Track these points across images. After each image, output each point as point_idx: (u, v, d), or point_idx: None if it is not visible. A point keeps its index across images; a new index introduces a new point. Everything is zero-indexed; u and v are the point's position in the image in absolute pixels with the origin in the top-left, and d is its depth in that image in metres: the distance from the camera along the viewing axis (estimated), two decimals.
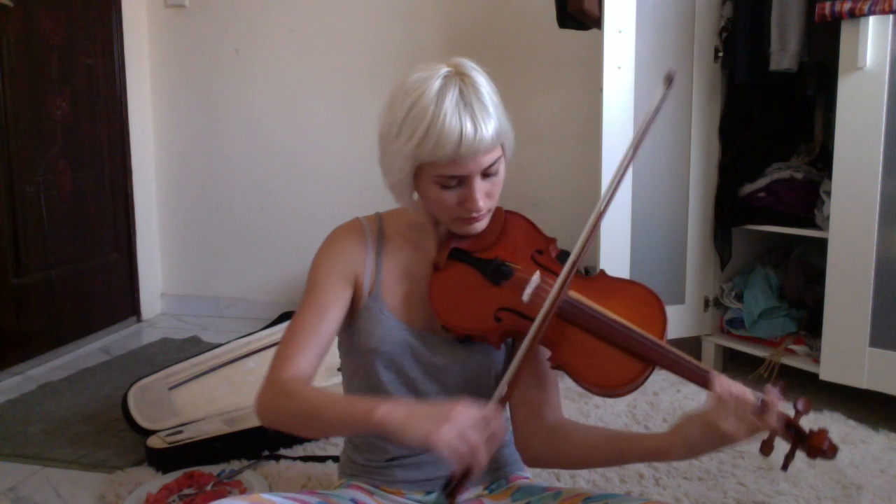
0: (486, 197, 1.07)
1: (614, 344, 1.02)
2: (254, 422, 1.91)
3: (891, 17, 1.90)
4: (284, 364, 1.08)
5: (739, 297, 2.50)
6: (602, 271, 1.12)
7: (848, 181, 2.02)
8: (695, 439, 0.99)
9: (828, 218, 2.11)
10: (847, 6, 1.93)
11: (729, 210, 2.46)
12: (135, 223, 3.23)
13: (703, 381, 0.98)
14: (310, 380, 1.09)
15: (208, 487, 1.63)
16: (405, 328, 1.13)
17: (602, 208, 1.04)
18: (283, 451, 1.85)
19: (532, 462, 1.21)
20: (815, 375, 2.15)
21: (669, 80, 1.03)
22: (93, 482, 1.74)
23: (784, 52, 2.18)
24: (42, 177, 2.69)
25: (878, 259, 1.99)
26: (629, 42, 2.31)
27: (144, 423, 1.89)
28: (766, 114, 2.46)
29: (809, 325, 2.35)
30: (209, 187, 3.36)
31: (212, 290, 3.42)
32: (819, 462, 1.76)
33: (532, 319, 1.04)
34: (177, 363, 2.08)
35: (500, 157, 1.07)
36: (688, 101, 2.43)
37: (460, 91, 1.01)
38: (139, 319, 3.29)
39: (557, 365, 1.05)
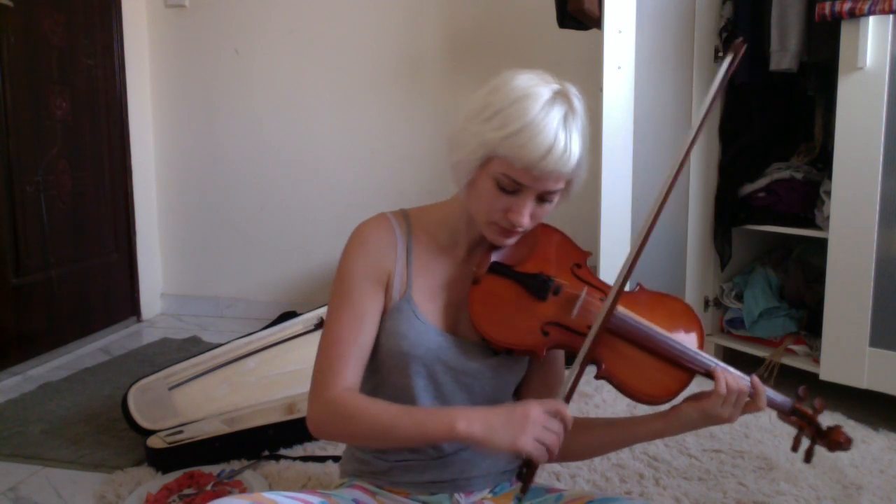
0: (530, 217, 1.07)
1: (660, 355, 1.10)
2: (254, 422, 1.91)
3: (891, 17, 1.90)
4: (331, 380, 1.07)
5: (739, 297, 2.50)
6: (640, 285, 1.17)
7: (848, 181, 2.02)
8: (693, 423, 1.11)
9: (828, 218, 2.11)
10: (847, 6, 1.93)
11: (729, 210, 2.46)
12: (135, 223, 3.23)
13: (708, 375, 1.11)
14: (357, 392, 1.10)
15: (208, 487, 1.63)
16: (440, 333, 1.12)
17: (653, 220, 1.12)
18: (283, 451, 1.85)
19: None
20: (815, 375, 2.15)
21: (736, 50, 1.10)
22: (93, 482, 1.74)
23: (784, 52, 2.18)
24: (42, 177, 2.69)
25: (878, 259, 1.99)
26: (629, 42, 2.31)
27: (144, 423, 1.89)
28: (766, 114, 2.46)
29: (809, 325, 2.35)
30: (209, 187, 3.36)
31: (212, 290, 3.42)
32: (819, 462, 1.78)
33: (579, 334, 1.08)
34: (177, 363, 2.08)
35: (562, 190, 1.07)
36: (688, 101, 2.43)
37: (566, 112, 1.03)
38: (139, 319, 3.29)
39: (605, 376, 1.09)
